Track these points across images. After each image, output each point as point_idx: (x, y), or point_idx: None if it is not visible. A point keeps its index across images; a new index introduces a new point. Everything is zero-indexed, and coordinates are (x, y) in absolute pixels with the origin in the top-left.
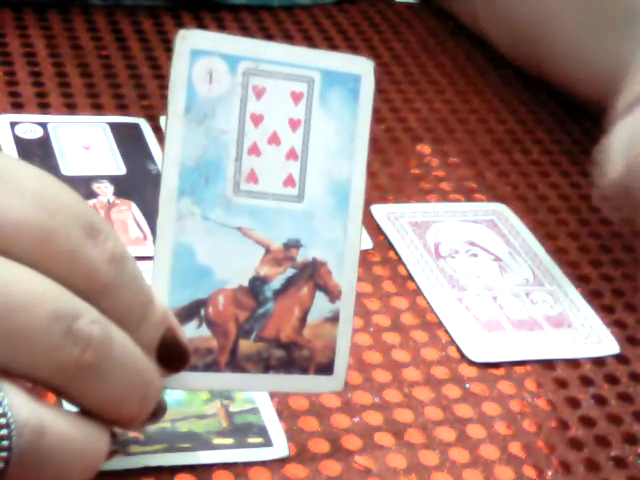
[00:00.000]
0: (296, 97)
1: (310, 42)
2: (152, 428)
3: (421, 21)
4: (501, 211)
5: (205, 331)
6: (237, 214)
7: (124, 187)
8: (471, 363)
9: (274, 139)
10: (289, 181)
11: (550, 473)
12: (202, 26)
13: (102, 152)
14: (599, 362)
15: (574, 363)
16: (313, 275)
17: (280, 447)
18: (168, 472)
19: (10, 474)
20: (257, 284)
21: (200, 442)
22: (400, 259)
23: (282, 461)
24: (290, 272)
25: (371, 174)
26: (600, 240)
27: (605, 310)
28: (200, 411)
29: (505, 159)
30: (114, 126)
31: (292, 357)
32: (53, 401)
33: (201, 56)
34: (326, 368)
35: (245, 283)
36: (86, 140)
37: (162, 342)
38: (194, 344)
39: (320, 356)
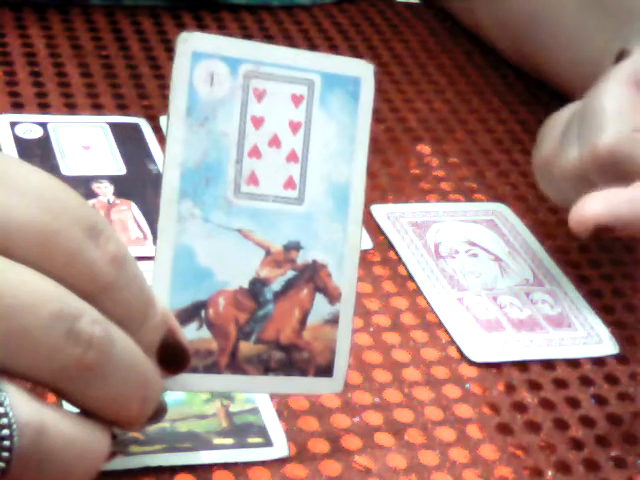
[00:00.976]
0: (296, 100)
1: (310, 42)
2: (152, 428)
3: (421, 21)
4: (501, 211)
5: (205, 333)
6: (238, 216)
7: (124, 187)
8: (471, 363)
9: (275, 141)
10: (289, 183)
11: (550, 473)
12: (202, 26)
13: (102, 152)
14: (599, 362)
15: (574, 363)
16: (313, 277)
17: (280, 447)
18: (168, 472)
19: (11, 474)
20: (257, 286)
21: (200, 442)
22: (400, 259)
23: (282, 461)
24: (290, 274)
25: (371, 174)
26: (600, 240)
27: (605, 310)
28: (200, 411)
29: (505, 159)
30: (114, 126)
31: (292, 359)
32: (53, 402)
33: (202, 59)
34: (326, 370)
35: (245, 285)
36: (86, 140)
37: (162, 343)
38: (194, 346)
39: (320, 358)
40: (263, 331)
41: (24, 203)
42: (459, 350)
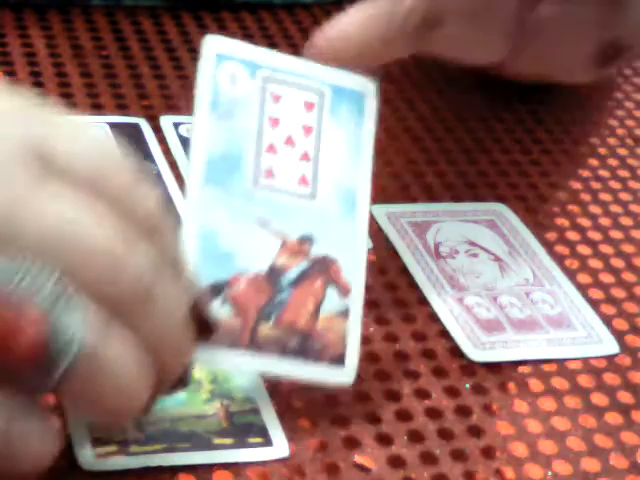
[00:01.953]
0: (308, 106)
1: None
2: (152, 428)
3: None
4: (501, 211)
5: (228, 310)
6: (257, 206)
7: None
8: (471, 363)
9: (289, 141)
10: (303, 180)
11: (550, 473)
12: (202, 26)
13: None
14: (599, 362)
15: (574, 363)
16: (325, 271)
17: (280, 447)
18: (168, 472)
19: (78, 374)
20: (275, 273)
21: (200, 442)
22: (400, 259)
23: (282, 461)
24: (304, 265)
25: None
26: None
27: (605, 310)
28: (200, 411)
29: (505, 159)
30: (114, 126)
31: (307, 346)
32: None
33: (225, 60)
34: (338, 359)
35: (264, 271)
36: None
37: (192, 306)
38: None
39: (332, 348)
40: (280, 316)
41: (84, 140)
42: (459, 350)
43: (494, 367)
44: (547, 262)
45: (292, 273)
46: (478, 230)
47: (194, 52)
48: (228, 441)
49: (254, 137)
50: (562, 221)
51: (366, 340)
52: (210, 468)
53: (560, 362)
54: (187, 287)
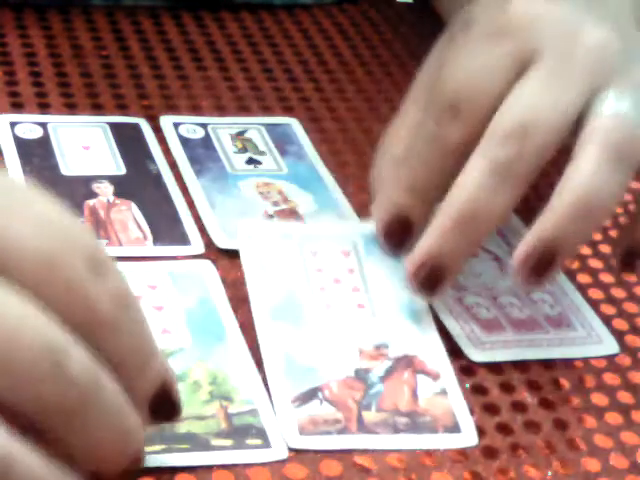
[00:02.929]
0: (345, 254)
1: (310, 42)
2: (152, 429)
3: (421, 21)
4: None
5: (328, 407)
6: (323, 326)
7: (124, 187)
8: (471, 363)
9: (337, 281)
10: (360, 306)
11: (550, 473)
12: (202, 26)
13: (102, 152)
14: (599, 362)
15: (574, 363)
16: (409, 365)
17: (279, 449)
18: (168, 472)
19: None
20: (362, 373)
21: (199, 443)
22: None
23: (282, 461)
24: (388, 363)
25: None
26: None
27: (605, 310)
28: (199, 412)
29: None
30: (114, 126)
31: (417, 422)
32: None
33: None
34: (453, 429)
35: (351, 374)
36: (86, 140)
37: (156, 395)
38: (322, 417)
39: (443, 420)
40: (380, 403)
41: (26, 228)
42: (459, 350)
43: (494, 367)
44: None
45: (379, 371)
46: None
47: (194, 52)
48: (227, 442)
49: (305, 283)
50: None
51: None
52: (209, 469)
53: (560, 362)
54: (153, 377)
